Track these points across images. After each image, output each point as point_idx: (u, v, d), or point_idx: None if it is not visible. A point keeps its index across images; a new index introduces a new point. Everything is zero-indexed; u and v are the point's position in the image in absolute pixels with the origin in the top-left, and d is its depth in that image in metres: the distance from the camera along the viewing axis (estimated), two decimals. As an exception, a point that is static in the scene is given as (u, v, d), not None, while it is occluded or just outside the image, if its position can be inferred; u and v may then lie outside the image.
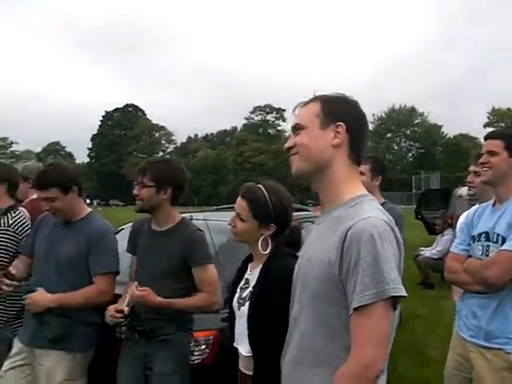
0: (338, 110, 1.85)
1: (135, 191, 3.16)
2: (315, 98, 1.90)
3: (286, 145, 1.91)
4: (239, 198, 2.62)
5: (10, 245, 3.69)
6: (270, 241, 2.58)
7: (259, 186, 2.65)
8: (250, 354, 2.58)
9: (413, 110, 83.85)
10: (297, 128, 1.88)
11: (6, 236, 3.70)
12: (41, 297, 3.13)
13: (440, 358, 5.23)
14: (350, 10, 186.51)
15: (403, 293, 1.66)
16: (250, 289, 2.63)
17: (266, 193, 2.61)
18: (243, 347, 2.62)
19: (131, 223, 3.57)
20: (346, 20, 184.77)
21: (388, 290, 1.63)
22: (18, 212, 3.87)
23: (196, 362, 3.20)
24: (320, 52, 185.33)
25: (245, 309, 2.61)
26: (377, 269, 1.63)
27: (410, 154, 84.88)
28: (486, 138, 3.12)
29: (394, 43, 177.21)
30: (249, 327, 2.50)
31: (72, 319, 3.18)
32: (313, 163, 1.85)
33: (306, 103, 1.91)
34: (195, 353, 3.21)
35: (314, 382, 1.79)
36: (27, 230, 3.70)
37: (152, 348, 3.06)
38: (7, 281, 3.28)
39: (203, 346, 3.27)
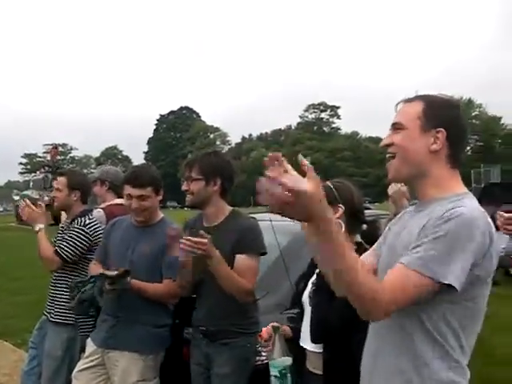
0: (441, 114, 1.81)
1: (184, 186, 3.14)
2: (419, 98, 1.87)
3: (384, 142, 1.88)
4: None
5: (81, 243, 3.79)
6: (342, 224, 2.54)
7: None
8: (318, 351, 2.60)
9: (470, 101, 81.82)
10: (397, 127, 1.85)
11: (79, 233, 3.81)
12: None
13: (510, 357, 5.11)
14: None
15: (452, 283, 1.58)
16: None
17: (328, 181, 2.69)
18: (310, 343, 2.65)
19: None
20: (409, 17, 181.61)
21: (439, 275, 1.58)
22: (93, 216, 4.00)
23: (265, 362, 3.21)
24: (374, 47, 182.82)
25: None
26: (448, 251, 1.59)
27: (469, 148, 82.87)
28: None
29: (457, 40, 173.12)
30: (315, 318, 2.52)
31: (144, 321, 3.24)
32: (411, 168, 1.82)
33: (410, 101, 1.88)
34: (263, 353, 3.22)
35: None
36: (101, 234, 3.78)
37: (214, 350, 3.06)
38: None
39: (270, 346, 3.27)
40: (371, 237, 2.63)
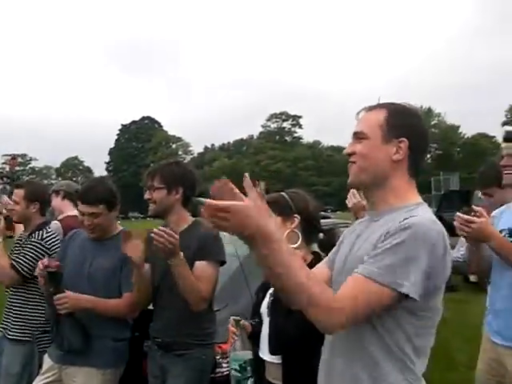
0: (403, 124, 1.81)
1: (146, 195, 3.13)
2: (381, 106, 1.86)
3: (346, 151, 1.87)
4: None
5: (38, 258, 3.64)
6: (299, 234, 2.56)
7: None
8: (277, 361, 2.60)
9: (429, 110, 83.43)
10: (359, 136, 1.84)
11: (37, 248, 3.73)
12: (75, 296, 3.10)
13: (467, 361, 5.20)
14: (369, 15, 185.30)
15: (411, 294, 1.60)
16: None
17: (283, 192, 2.68)
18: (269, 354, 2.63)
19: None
20: (364, 26, 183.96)
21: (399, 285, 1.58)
22: (51, 229, 3.93)
23: (225, 373, 3.20)
24: (334, 55, 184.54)
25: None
26: (405, 260, 1.59)
27: (429, 156, 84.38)
28: (506, 139, 3.05)
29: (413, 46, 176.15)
30: (273, 329, 2.50)
31: (102, 335, 3.19)
32: (371, 176, 1.82)
33: (371, 109, 1.87)
34: (223, 365, 3.21)
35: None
36: (58, 247, 3.71)
37: (168, 361, 3.05)
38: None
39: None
40: (329, 246, 2.64)
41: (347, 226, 3.94)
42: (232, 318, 2.70)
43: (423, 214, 1.71)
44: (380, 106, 1.87)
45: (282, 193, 2.68)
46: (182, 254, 2.82)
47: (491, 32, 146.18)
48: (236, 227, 1.46)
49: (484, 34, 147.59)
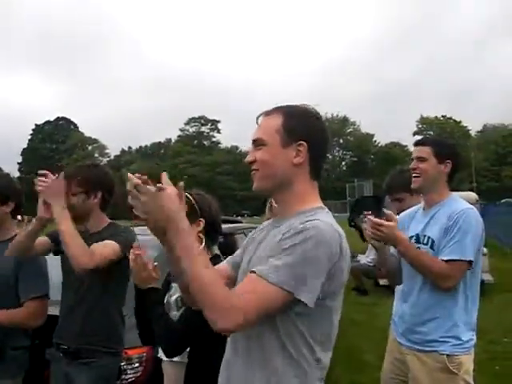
0: (300, 127, 1.80)
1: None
2: (278, 110, 1.84)
3: (247, 159, 1.85)
4: None
5: None
6: (203, 238, 2.53)
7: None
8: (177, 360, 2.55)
9: (345, 119, 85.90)
10: (258, 143, 1.82)
11: None
12: None
13: (376, 362, 5.32)
14: (284, 17, 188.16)
15: (303, 298, 1.59)
16: (178, 294, 2.60)
17: (189, 193, 2.62)
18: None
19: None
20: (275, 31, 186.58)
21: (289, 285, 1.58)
22: None
23: (130, 380, 3.14)
24: (251, 61, 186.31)
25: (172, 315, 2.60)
26: (301, 264, 1.59)
27: (344, 163, 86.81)
28: (415, 144, 3.15)
29: (329, 49, 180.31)
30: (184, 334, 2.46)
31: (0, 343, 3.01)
32: (273, 181, 1.81)
33: (269, 113, 1.85)
34: (128, 371, 3.15)
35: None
36: None
37: (74, 369, 2.92)
38: None
39: (136, 364, 3.20)
40: (228, 249, 2.63)
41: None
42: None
43: (323, 218, 1.72)
44: (277, 109, 1.86)
45: (188, 195, 2.61)
46: (63, 203, 2.74)
47: (405, 44, 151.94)
48: (149, 207, 1.55)
49: (398, 46, 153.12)
